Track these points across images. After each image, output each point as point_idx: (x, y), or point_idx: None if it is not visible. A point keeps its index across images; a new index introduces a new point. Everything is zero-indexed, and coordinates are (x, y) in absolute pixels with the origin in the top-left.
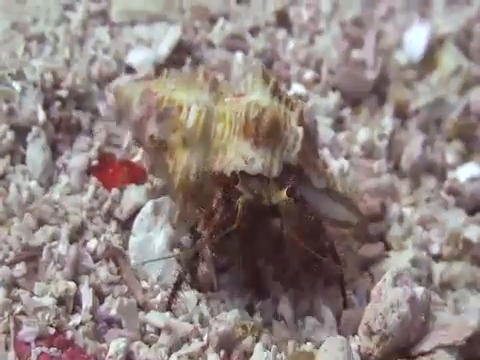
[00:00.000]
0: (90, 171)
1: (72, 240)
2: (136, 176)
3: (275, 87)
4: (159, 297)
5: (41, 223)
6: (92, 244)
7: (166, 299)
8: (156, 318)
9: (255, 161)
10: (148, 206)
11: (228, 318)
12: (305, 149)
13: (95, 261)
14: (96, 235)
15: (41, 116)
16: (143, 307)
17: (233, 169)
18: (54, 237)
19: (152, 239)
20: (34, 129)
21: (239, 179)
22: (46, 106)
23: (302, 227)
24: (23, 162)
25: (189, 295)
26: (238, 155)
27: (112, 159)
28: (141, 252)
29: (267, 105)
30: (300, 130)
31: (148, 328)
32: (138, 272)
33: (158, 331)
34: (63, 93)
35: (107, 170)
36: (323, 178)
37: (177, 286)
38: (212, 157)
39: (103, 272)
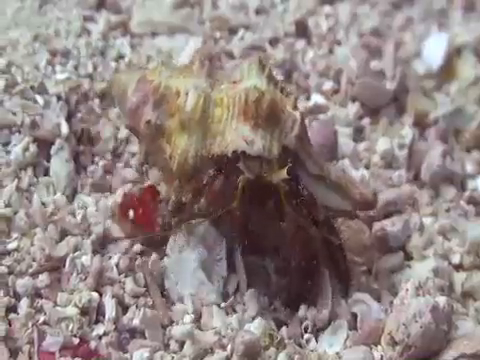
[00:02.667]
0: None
1: (95, 251)
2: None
3: (270, 73)
4: (189, 317)
5: (64, 234)
6: (115, 258)
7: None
8: (180, 330)
9: (256, 142)
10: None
11: (255, 326)
12: (302, 134)
13: (120, 273)
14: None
15: (64, 129)
16: (166, 323)
17: (234, 149)
18: (77, 248)
19: (185, 259)
20: (57, 142)
21: (240, 158)
22: (68, 118)
23: (299, 205)
24: (46, 174)
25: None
26: (238, 136)
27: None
28: (175, 272)
29: (265, 89)
30: (297, 114)
31: (171, 340)
32: (171, 291)
33: (182, 343)
34: (85, 106)
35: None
36: (317, 164)
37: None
38: (210, 141)
39: (129, 283)
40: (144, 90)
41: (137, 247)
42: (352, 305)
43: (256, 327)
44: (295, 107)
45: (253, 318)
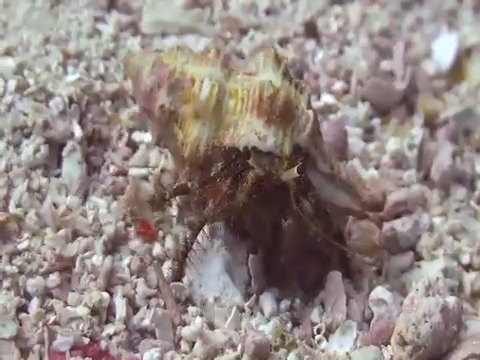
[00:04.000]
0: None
1: (107, 252)
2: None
3: (286, 69)
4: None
5: (75, 235)
6: (127, 259)
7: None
8: (190, 330)
9: (268, 138)
10: (204, 230)
11: (267, 327)
12: (314, 132)
13: (131, 274)
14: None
15: (77, 131)
16: (177, 323)
17: (245, 144)
18: (88, 248)
19: (209, 261)
20: (70, 143)
21: (251, 153)
22: (79, 119)
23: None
24: (57, 175)
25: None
26: (251, 131)
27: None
28: (198, 275)
29: (280, 85)
30: (311, 113)
31: (182, 340)
32: (195, 294)
33: (192, 343)
34: (97, 107)
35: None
36: (328, 163)
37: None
38: (223, 132)
39: (140, 285)
40: (159, 73)
41: (148, 248)
42: (372, 304)
43: (269, 328)
44: (309, 104)
45: (268, 319)
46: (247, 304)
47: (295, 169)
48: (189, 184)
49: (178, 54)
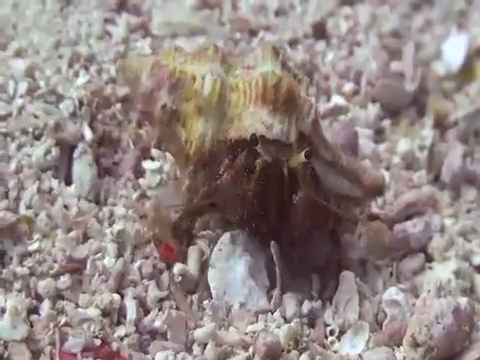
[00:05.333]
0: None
1: (119, 255)
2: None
3: (284, 60)
4: (244, 323)
5: (87, 237)
6: (138, 262)
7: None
8: (202, 331)
9: (274, 126)
10: (226, 237)
11: (282, 330)
12: (316, 119)
13: (142, 278)
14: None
15: (88, 134)
16: (192, 326)
17: (253, 132)
18: (99, 250)
19: (232, 268)
20: (81, 146)
21: (258, 141)
22: (90, 121)
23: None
24: (67, 177)
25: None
26: (257, 121)
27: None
28: (222, 282)
29: (281, 74)
30: (313, 100)
31: (194, 343)
32: (219, 301)
33: (205, 346)
34: (108, 110)
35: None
36: (330, 150)
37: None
38: (227, 125)
39: (152, 290)
40: (158, 75)
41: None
42: (386, 305)
43: (284, 330)
44: (307, 93)
45: (288, 321)
46: (272, 304)
47: (302, 154)
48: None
49: (175, 55)
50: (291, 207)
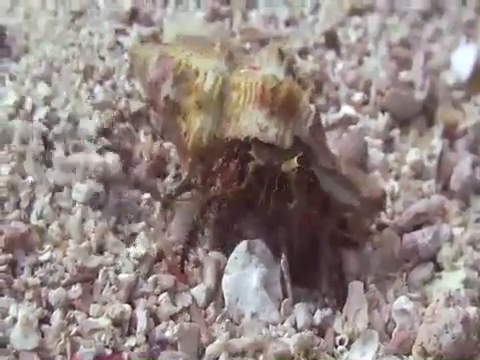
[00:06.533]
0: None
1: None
2: None
3: (289, 65)
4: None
5: (101, 249)
6: (153, 276)
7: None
8: (216, 345)
9: (269, 129)
10: (242, 245)
11: (292, 339)
12: (316, 126)
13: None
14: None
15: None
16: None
17: (247, 135)
18: (112, 263)
19: (247, 276)
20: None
21: (252, 144)
22: (104, 134)
23: (311, 200)
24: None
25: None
26: (253, 122)
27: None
28: (235, 289)
29: (283, 79)
30: (313, 106)
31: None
32: (231, 308)
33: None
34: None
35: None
36: (329, 158)
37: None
38: (226, 123)
39: (165, 304)
40: (164, 66)
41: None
42: (395, 314)
43: (294, 340)
44: (311, 100)
45: (299, 330)
46: (282, 313)
47: (295, 159)
48: (192, 179)
49: (183, 47)
50: (286, 213)
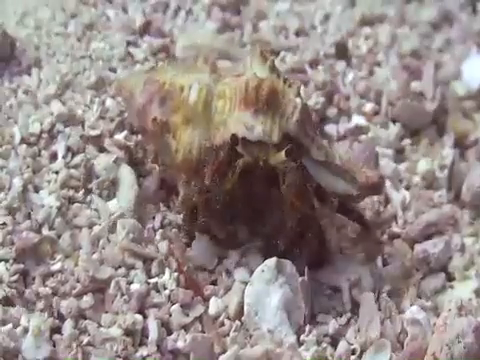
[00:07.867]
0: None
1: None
2: None
3: (272, 65)
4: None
5: (113, 260)
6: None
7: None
8: (227, 356)
9: (255, 128)
10: (272, 261)
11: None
12: (304, 120)
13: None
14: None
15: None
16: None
17: (234, 133)
18: (124, 274)
19: (270, 293)
20: None
21: (239, 140)
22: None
23: (302, 193)
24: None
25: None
26: (239, 124)
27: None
28: (256, 302)
29: (266, 77)
30: (298, 100)
31: None
32: (248, 319)
33: None
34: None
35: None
36: (322, 150)
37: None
38: (213, 132)
39: (177, 315)
40: (150, 89)
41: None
42: (407, 324)
43: (310, 352)
44: (298, 95)
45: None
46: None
47: (282, 153)
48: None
49: (168, 68)
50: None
